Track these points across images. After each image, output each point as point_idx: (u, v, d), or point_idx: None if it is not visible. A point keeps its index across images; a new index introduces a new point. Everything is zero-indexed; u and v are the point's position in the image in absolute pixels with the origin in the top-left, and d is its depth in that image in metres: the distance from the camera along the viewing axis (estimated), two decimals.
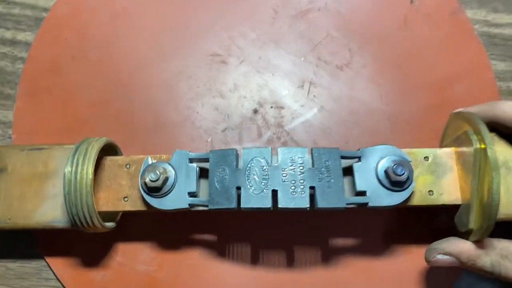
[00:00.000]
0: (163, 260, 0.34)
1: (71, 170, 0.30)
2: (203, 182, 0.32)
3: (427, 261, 0.30)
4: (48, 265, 0.35)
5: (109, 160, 0.32)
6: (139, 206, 0.31)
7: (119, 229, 0.34)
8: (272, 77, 0.38)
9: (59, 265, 0.35)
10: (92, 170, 0.30)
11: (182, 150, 0.31)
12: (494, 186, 0.26)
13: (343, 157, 0.30)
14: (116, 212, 0.34)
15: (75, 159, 0.30)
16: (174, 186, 0.30)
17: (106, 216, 0.33)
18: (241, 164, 0.30)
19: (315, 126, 0.37)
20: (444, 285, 0.34)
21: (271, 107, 0.37)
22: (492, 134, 0.31)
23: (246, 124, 0.37)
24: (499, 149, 0.31)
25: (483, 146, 0.28)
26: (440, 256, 0.30)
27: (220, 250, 0.34)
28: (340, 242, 0.35)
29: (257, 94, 0.38)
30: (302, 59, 0.37)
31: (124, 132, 0.37)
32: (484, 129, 0.28)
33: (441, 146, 0.35)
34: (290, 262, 0.34)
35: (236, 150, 0.30)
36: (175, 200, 0.30)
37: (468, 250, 0.29)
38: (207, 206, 0.30)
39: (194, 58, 0.38)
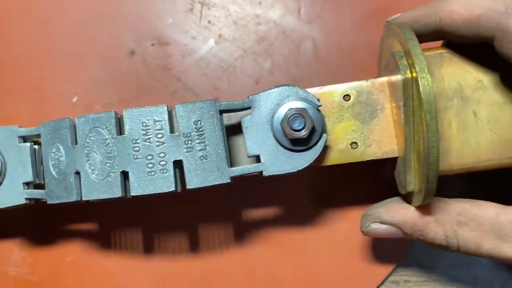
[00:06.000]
0: (36, 260, 0.27)
1: None
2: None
3: (361, 231, 0.23)
4: None
5: None
6: None
7: None
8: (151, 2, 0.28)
9: None
10: None
11: (7, 127, 0.22)
12: (429, 136, 0.17)
13: (225, 111, 0.21)
14: None
15: None
16: (4, 176, 0.22)
17: None
18: (78, 138, 0.21)
19: (213, 64, 0.27)
20: (397, 255, 0.26)
21: (153, 44, 0.28)
22: (441, 51, 0.21)
23: (122, 73, 0.28)
24: (450, 71, 0.21)
25: (413, 74, 0.18)
26: (375, 226, 0.22)
27: (105, 240, 0.27)
28: (257, 213, 0.27)
29: (131, 27, 0.28)
30: None
31: None
32: (414, 47, 0.18)
33: (379, 75, 0.25)
34: (194, 246, 0.27)
35: (70, 119, 0.21)
36: (7, 195, 0.22)
37: (412, 217, 0.21)
38: (45, 200, 0.22)
39: None
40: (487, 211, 0.20)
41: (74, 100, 0.28)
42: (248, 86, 0.27)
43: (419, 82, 0.17)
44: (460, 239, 0.20)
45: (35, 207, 0.25)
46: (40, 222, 0.27)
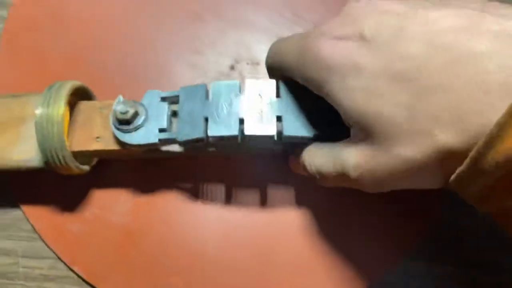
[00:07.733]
0: (136, 209, 0.34)
1: (43, 109, 0.30)
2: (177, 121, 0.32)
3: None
4: (25, 215, 0.35)
5: (83, 104, 0.33)
6: (111, 145, 0.31)
7: (95, 177, 0.34)
8: (248, 33, 0.39)
9: (35, 215, 0.34)
10: (63, 108, 0.30)
11: (153, 90, 0.32)
12: None
13: None
14: (91, 158, 0.34)
15: (47, 99, 0.31)
16: (145, 123, 0.31)
17: (83, 161, 0.33)
18: (210, 97, 0.30)
19: None
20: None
21: (247, 63, 0.38)
22: None
23: (222, 80, 0.37)
24: None
25: None
26: None
27: (194, 194, 0.34)
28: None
29: (234, 50, 0.38)
30: (278, 15, 0.38)
31: (99, 88, 0.37)
32: None
33: None
34: (263, 202, 0.34)
35: (206, 85, 0.30)
36: (145, 135, 0.30)
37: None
38: (175, 139, 0.30)
39: (170, 14, 0.39)
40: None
41: None
42: None
43: None
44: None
45: (139, 163, 0.33)
46: (143, 176, 0.35)
